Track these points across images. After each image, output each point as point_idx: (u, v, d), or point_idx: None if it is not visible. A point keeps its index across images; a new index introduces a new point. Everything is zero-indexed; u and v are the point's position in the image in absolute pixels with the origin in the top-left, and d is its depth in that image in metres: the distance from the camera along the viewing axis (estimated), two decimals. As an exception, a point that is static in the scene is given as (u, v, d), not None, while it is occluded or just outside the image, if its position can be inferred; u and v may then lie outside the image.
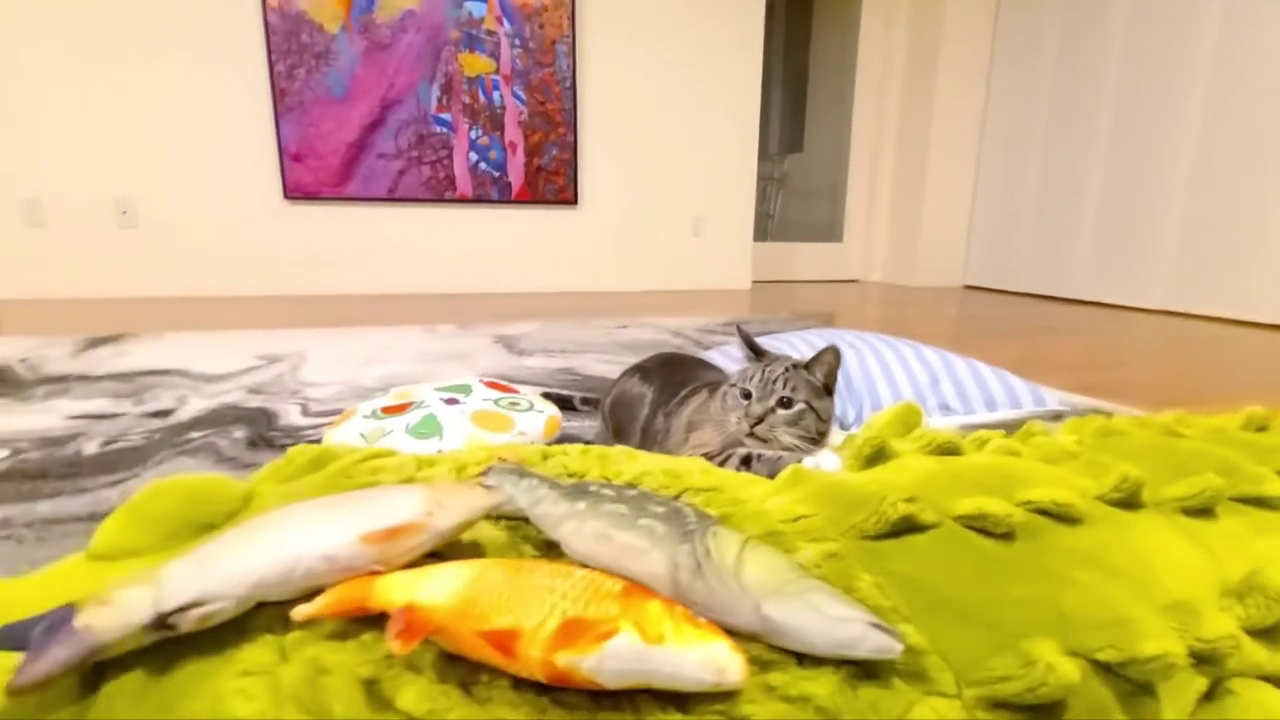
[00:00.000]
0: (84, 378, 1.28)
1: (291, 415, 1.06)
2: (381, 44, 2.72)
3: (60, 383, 1.24)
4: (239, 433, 0.97)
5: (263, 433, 0.97)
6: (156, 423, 1.01)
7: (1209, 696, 0.34)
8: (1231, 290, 2.41)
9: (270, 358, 1.49)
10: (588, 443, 0.60)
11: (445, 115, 2.84)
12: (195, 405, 1.11)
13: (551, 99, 2.95)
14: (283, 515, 0.33)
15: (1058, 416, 0.97)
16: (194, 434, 0.96)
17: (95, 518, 0.70)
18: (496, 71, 2.86)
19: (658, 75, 3.10)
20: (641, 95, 3.10)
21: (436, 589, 0.30)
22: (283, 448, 0.91)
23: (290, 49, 2.62)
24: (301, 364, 1.43)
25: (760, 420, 0.68)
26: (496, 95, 2.89)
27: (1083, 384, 1.34)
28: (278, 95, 2.64)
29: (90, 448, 0.90)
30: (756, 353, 0.76)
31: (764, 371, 0.70)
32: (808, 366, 0.71)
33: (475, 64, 2.84)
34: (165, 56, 2.52)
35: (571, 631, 0.28)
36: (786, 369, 0.70)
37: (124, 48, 2.48)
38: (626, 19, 3.01)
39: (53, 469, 0.82)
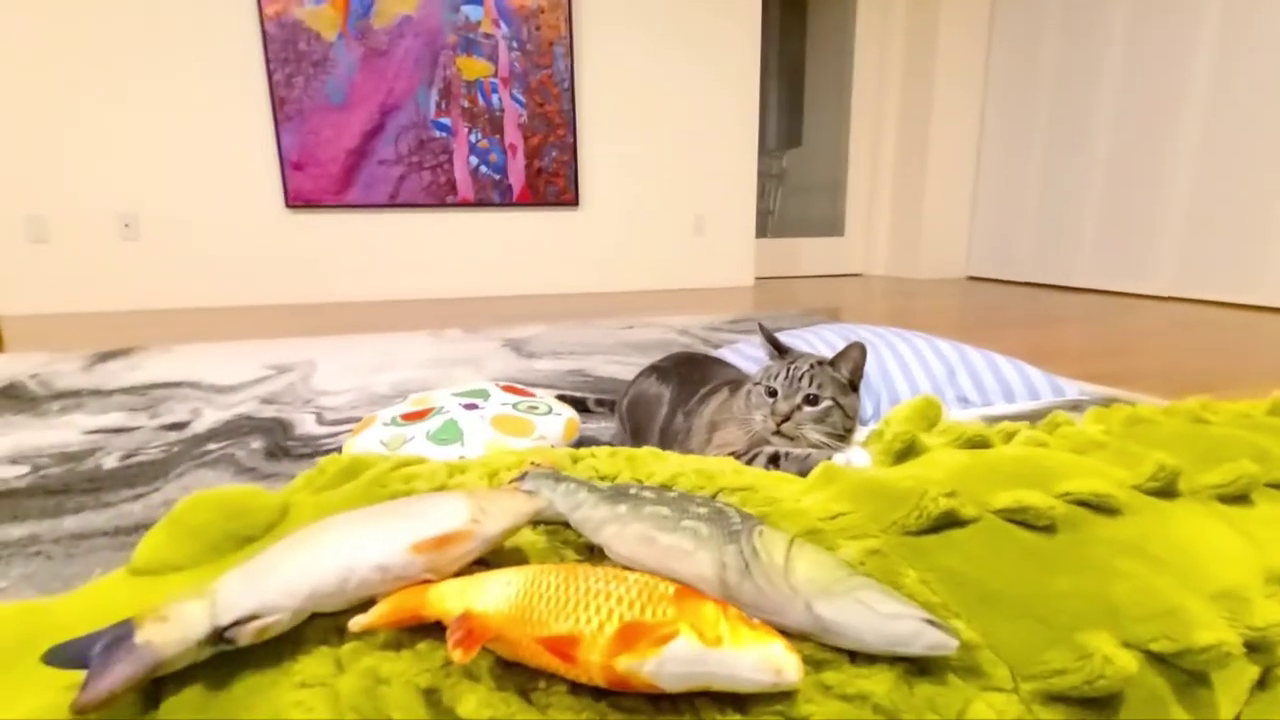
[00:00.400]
0: (97, 392, 1.29)
1: (307, 424, 1.07)
2: (379, 50, 2.72)
3: (74, 398, 1.24)
4: (256, 443, 0.97)
5: (280, 443, 0.97)
6: (173, 435, 1.01)
7: (1261, 685, 0.34)
8: (1239, 274, 2.41)
9: (280, 367, 1.49)
10: (604, 444, 0.60)
11: (445, 120, 2.85)
12: (210, 417, 1.11)
13: (550, 101, 2.95)
14: (331, 526, 0.33)
15: (1075, 406, 0.97)
16: (212, 446, 0.96)
17: (121, 532, 0.70)
18: (495, 74, 2.86)
19: (655, 74, 3.10)
20: (640, 94, 3.10)
21: (491, 596, 0.30)
22: (301, 457, 0.91)
23: (288, 57, 2.62)
24: (312, 373, 1.43)
25: (787, 418, 0.68)
26: (495, 98, 2.89)
27: (1091, 373, 1.34)
28: (277, 104, 2.64)
29: (110, 462, 0.90)
30: (780, 350, 0.76)
31: (789, 369, 0.70)
32: (833, 363, 0.71)
33: (473, 68, 2.84)
34: (164, 69, 2.53)
35: (630, 636, 0.28)
36: (812, 366, 0.70)
37: (122, 62, 2.48)
38: (623, 19, 3.01)
39: (75, 484, 0.82)
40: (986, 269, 3.60)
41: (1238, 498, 0.46)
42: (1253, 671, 0.33)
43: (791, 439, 0.67)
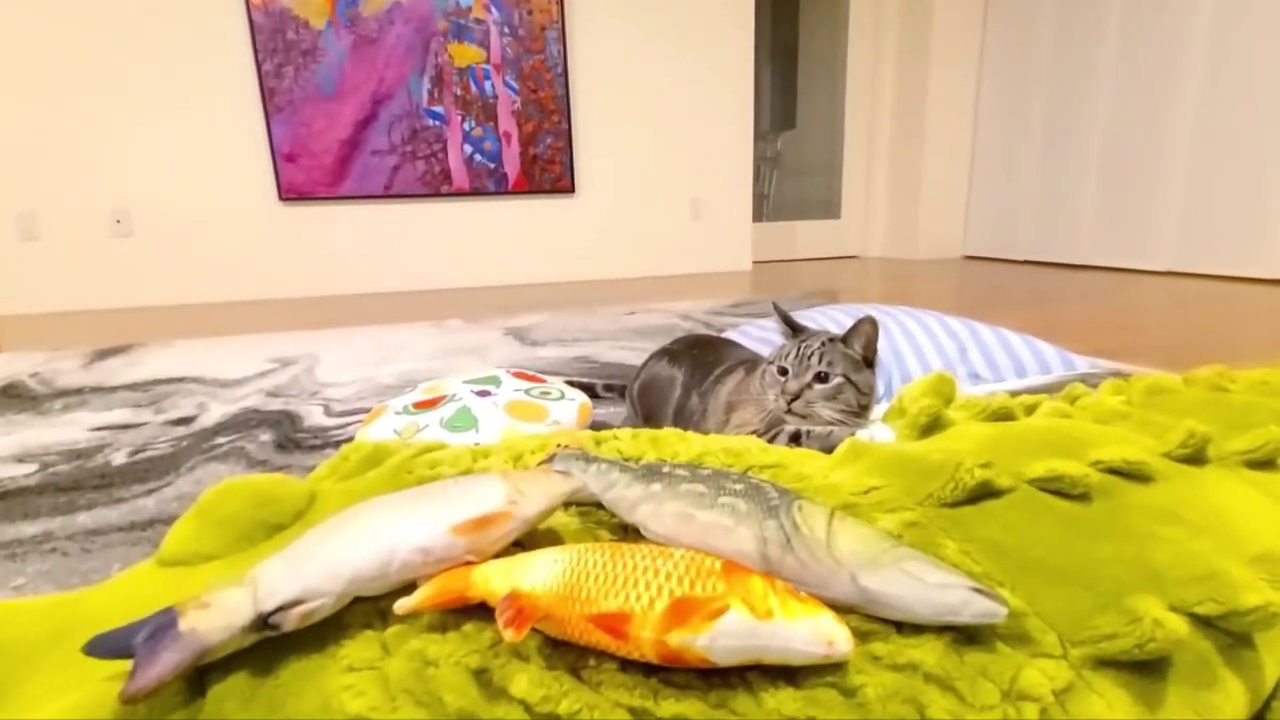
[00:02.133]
0: (99, 389, 1.27)
1: (315, 416, 1.06)
2: (369, 38, 2.68)
3: (76, 395, 1.23)
4: (265, 436, 0.97)
5: (289, 435, 0.97)
6: (181, 430, 1.01)
7: (1302, 644, 0.34)
8: (1238, 248, 2.41)
9: (283, 360, 1.48)
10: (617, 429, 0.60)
11: (437, 108, 2.81)
12: (216, 411, 1.10)
13: (544, 86, 2.92)
14: (369, 510, 0.32)
15: (1087, 380, 0.97)
16: (220, 439, 0.96)
17: (135, 527, 0.70)
18: (487, 61, 2.83)
19: (649, 58, 3.06)
20: (633, 79, 3.06)
21: (537, 576, 0.29)
22: (312, 449, 0.91)
23: (276, 47, 2.58)
24: (316, 365, 1.42)
25: (797, 396, 0.68)
26: (488, 85, 2.85)
27: (1094, 349, 1.34)
28: (267, 95, 2.60)
29: (119, 458, 0.90)
30: (794, 329, 0.76)
31: (800, 347, 0.70)
32: (845, 339, 0.71)
33: (465, 54, 2.80)
34: (151, 61, 2.48)
35: (682, 611, 0.27)
36: (823, 343, 0.70)
37: (109, 56, 2.44)
38: (615, 2, 2.97)
39: (85, 481, 0.82)
40: (984, 248, 3.60)
41: (1264, 463, 0.46)
42: (1294, 632, 0.33)
43: (804, 417, 0.67)
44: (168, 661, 0.26)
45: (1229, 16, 2.36)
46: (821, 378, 0.69)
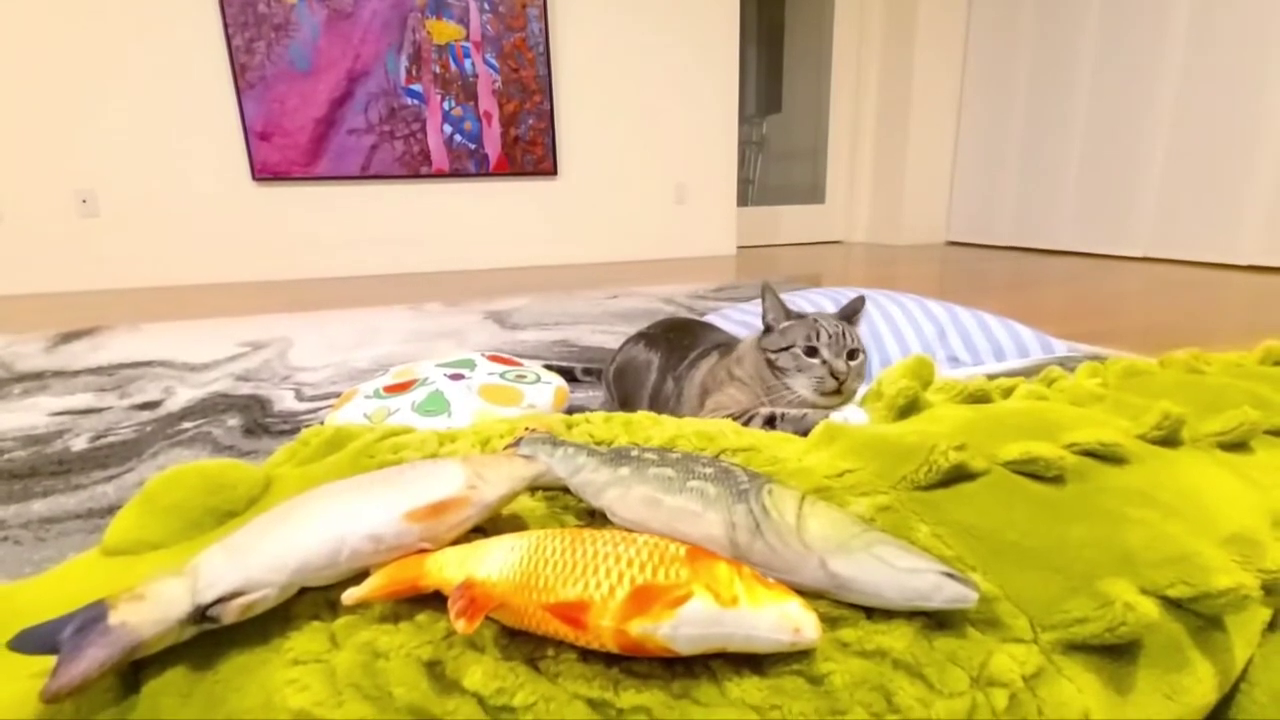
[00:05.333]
0: (61, 373, 1.23)
1: (285, 401, 1.03)
2: (344, 12, 2.60)
3: (37, 379, 1.19)
4: (233, 421, 0.94)
5: (258, 420, 0.94)
6: (145, 415, 0.98)
7: (1271, 627, 0.34)
8: (1213, 235, 2.45)
9: (254, 344, 1.44)
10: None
11: (416, 86, 2.75)
12: (183, 395, 1.07)
13: (525, 65, 2.86)
14: (318, 496, 0.31)
15: (1065, 364, 0.97)
16: (186, 424, 0.93)
17: (93, 514, 0.67)
18: (466, 38, 2.76)
19: (633, 37, 3.01)
20: (617, 59, 3.01)
21: (494, 563, 0.28)
22: (281, 434, 0.89)
23: (247, 21, 2.50)
24: (288, 349, 1.39)
25: (846, 376, 0.66)
26: (468, 63, 2.79)
27: (1072, 332, 1.35)
28: (238, 71, 2.52)
29: (79, 444, 0.87)
30: (786, 313, 0.74)
31: (825, 329, 0.68)
32: (848, 318, 0.70)
33: (444, 31, 2.74)
34: (117, 35, 2.39)
35: (643, 599, 0.26)
36: (839, 323, 0.70)
37: (72, 30, 2.34)
38: (598, -22, 2.91)
39: (42, 467, 0.79)
40: (967, 234, 3.62)
41: (1238, 445, 0.46)
42: (1264, 614, 0.33)
43: (845, 399, 0.66)
44: (93, 658, 0.24)
45: (1208, 8, 2.37)
46: (853, 355, 0.68)
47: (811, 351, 0.67)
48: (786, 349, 0.68)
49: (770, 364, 0.69)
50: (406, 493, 0.31)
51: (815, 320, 0.69)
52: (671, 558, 0.28)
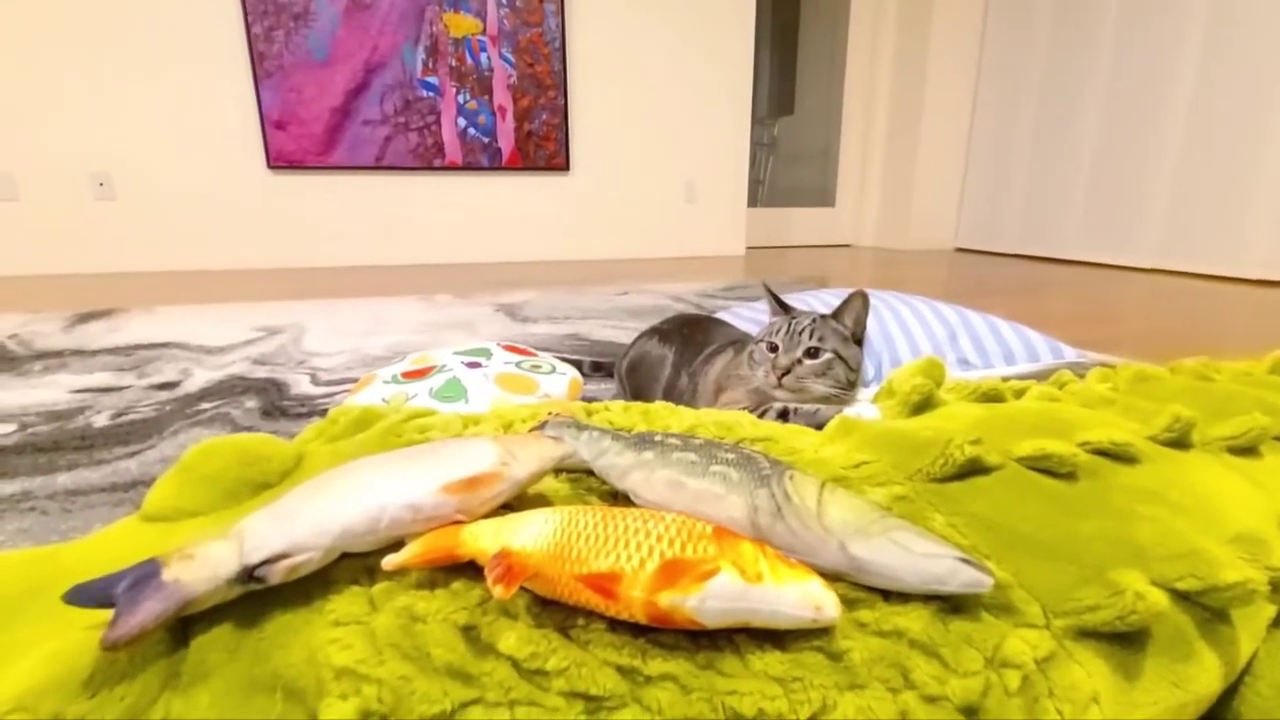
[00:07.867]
0: (80, 352, 1.25)
1: (302, 385, 1.05)
2: (362, 3, 2.62)
3: (56, 358, 1.21)
4: (251, 403, 0.96)
5: (275, 402, 0.96)
6: (164, 395, 0.99)
7: (1277, 623, 0.34)
8: (1220, 248, 2.44)
9: (269, 329, 1.46)
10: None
11: (432, 79, 2.76)
12: (201, 377, 1.09)
13: (540, 61, 2.87)
14: (360, 468, 0.32)
15: (1074, 369, 0.98)
16: (205, 405, 0.95)
17: (117, 488, 0.69)
18: (483, 32, 2.78)
19: (647, 37, 3.02)
20: (631, 57, 3.02)
21: (528, 534, 0.29)
22: (298, 416, 0.90)
23: (267, 10, 2.51)
24: (303, 335, 1.41)
25: (787, 371, 0.68)
26: (484, 57, 2.80)
27: (1077, 339, 1.36)
28: (256, 59, 2.54)
29: (100, 420, 0.88)
30: (784, 309, 0.76)
31: (790, 324, 0.70)
32: (836, 315, 0.71)
33: (461, 24, 2.75)
34: (137, 20, 2.41)
35: (673, 572, 0.27)
36: (813, 320, 0.70)
37: (93, 13, 2.36)
38: (616, -24, 2.92)
39: (65, 442, 0.80)
40: (975, 241, 3.62)
41: (1247, 450, 0.46)
42: (1270, 610, 0.34)
43: (795, 393, 0.67)
44: (150, 610, 0.26)
45: (1222, 18, 2.37)
46: (812, 353, 0.69)
47: (772, 347, 0.70)
48: (759, 343, 0.72)
49: (749, 355, 0.72)
50: (443, 467, 0.32)
51: (792, 317, 0.71)
52: (699, 535, 0.29)
